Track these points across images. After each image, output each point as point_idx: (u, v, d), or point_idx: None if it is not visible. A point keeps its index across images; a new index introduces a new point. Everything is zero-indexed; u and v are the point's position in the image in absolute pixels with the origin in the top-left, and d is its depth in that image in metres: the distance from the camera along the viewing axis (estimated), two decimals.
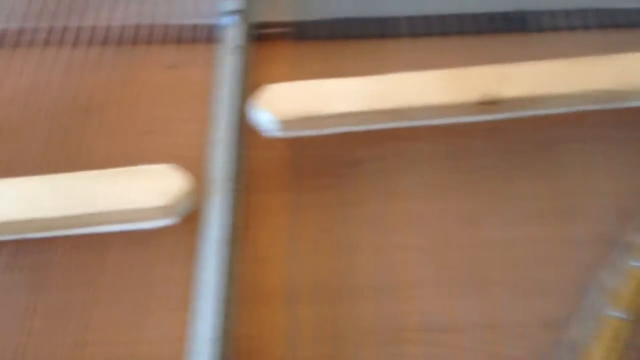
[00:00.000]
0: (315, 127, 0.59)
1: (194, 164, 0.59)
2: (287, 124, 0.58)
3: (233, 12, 0.67)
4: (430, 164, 0.61)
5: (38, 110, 0.65)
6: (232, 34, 0.65)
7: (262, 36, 0.70)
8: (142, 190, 0.52)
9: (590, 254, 0.55)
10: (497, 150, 0.61)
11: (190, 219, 0.56)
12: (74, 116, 0.65)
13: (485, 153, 0.61)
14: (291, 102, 0.58)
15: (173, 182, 0.53)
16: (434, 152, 0.62)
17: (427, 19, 0.69)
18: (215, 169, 0.57)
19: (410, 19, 0.70)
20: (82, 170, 0.59)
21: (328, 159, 0.62)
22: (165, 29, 0.71)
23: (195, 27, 0.71)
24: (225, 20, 0.66)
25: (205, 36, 0.70)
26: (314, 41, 0.70)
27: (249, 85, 0.65)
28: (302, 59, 0.69)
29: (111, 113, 0.65)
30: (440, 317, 0.53)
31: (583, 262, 0.55)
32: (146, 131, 0.65)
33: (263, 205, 0.60)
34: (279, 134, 0.60)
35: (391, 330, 0.53)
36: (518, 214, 0.58)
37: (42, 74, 0.68)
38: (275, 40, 0.70)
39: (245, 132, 0.61)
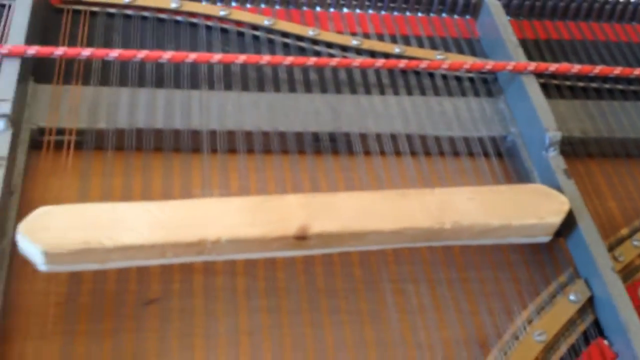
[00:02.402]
0: (94, 261, 0.49)
1: None
2: (57, 257, 0.47)
3: None
4: (239, 304, 0.53)
5: None
6: None
7: (39, 144, 0.59)
8: None
9: None
10: (312, 290, 0.54)
11: None
12: None
13: (298, 293, 0.53)
14: (65, 231, 0.48)
15: None
16: (243, 289, 0.53)
17: (246, 135, 0.62)
18: None
19: (221, 134, 0.62)
20: None
21: (115, 296, 0.52)
22: None
23: None
24: None
25: None
26: (103, 152, 0.60)
27: (22, 202, 0.54)
28: (87, 172, 0.59)
29: None
30: None
31: None
32: None
33: (26, 355, 0.47)
34: (48, 268, 0.48)
35: None
36: None
37: None
38: (56, 150, 0.60)
39: (12, 261, 0.50)
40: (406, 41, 0.75)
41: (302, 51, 0.72)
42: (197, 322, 0.51)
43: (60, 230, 0.48)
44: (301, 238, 0.51)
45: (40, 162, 0.59)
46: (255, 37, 0.72)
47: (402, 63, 0.68)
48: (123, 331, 0.51)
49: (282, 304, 0.53)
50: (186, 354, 0.50)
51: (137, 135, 0.61)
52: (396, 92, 0.70)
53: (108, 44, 0.68)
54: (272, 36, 0.73)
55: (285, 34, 0.73)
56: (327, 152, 0.64)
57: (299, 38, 0.73)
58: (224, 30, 0.73)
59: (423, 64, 0.68)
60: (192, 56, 0.64)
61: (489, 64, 0.68)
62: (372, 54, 0.73)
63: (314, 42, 0.73)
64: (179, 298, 0.53)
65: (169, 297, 0.53)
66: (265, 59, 0.65)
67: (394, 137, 0.65)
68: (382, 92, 0.69)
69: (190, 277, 0.54)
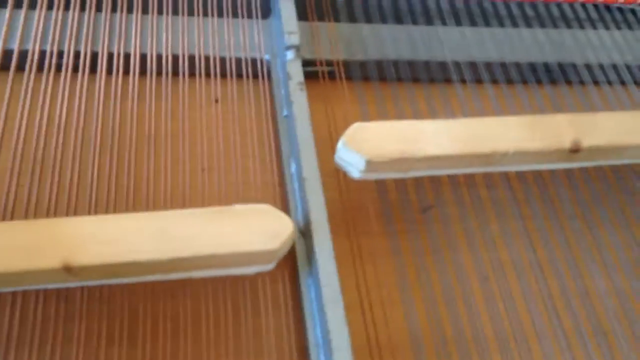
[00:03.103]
0: (402, 169, 0.57)
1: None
2: (375, 165, 0.55)
3: (291, 48, 0.63)
4: (510, 211, 0.60)
5: (81, 142, 0.58)
6: (293, 70, 0.62)
7: (308, 74, 0.67)
8: (249, 232, 0.47)
9: None
10: (578, 199, 0.61)
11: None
12: (123, 150, 0.58)
13: (567, 201, 0.61)
14: (381, 142, 0.55)
15: (278, 223, 0.48)
16: (512, 199, 0.61)
17: (474, 65, 0.69)
18: (308, 212, 0.52)
19: (464, 65, 0.69)
20: (144, 209, 0.53)
21: (401, 204, 0.60)
22: (207, 61, 0.66)
23: (239, 61, 0.66)
24: (286, 56, 0.63)
25: (249, 70, 0.66)
26: (364, 82, 0.68)
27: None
28: (355, 99, 0.66)
29: (163, 148, 0.59)
30: None
31: None
32: (204, 168, 0.59)
33: (350, 249, 0.56)
34: (363, 175, 0.56)
35: None
36: (617, 265, 0.58)
37: (78, 102, 0.60)
38: (321, 79, 0.67)
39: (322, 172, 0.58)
40: None
41: None
42: (469, 226, 0.59)
43: (377, 142, 0.55)
44: (574, 151, 0.58)
45: (311, 90, 0.66)
46: None
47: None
48: (411, 232, 0.59)
49: (535, 212, 0.60)
50: (470, 252, 0.58)
51: (396, 66, 0.68)
52: (595, 27, 0.76)
53: None
54: None
55: None
56: (546, 81, 0.70)
57: None
58: None
59: None
60: None
61: None
62: None
63: None
64: (450, 206, 0.60)
65: (442, 205, 0.60)
66: None
67: (611, 67, 0.71)
68: (594, 27, 0.75)
69: (458, 189, 0.61)
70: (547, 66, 0.71)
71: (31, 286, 0.48)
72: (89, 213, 0.54)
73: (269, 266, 0.49)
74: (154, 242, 0.46)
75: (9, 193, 0.53)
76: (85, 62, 0.62)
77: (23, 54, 0.61)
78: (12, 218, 0.52)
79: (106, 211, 0.54)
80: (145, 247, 0.46)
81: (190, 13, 0.68)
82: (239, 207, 0.48)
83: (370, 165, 0.55)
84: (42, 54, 0.61)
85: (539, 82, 0.70)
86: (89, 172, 0.56)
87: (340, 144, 0.56)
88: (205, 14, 0.68)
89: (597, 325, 0.56)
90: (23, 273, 0.45)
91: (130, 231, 0.46)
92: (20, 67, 0.60)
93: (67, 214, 0.53)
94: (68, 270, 0.45)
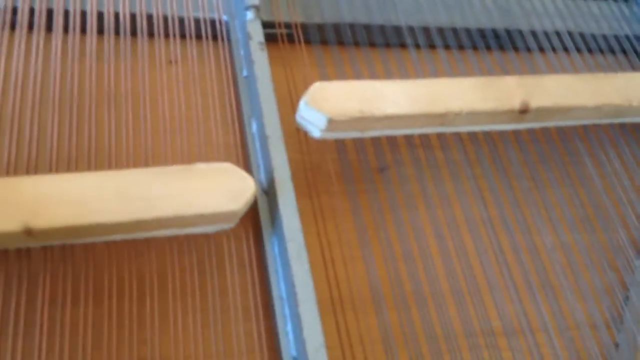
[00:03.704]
0: (361, 128, 0.58)
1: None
2: (336, 124, 0.56)
3: (251, 7, 0.63)
4: (463, 172, 0.63)
5: (38, 101, 0.57)
6: (253, 30, 0.62)
7: (267, 37, 0.67)
8: (211, 194, 0.48)
9: (628, 259, 0.60)
10: (526, 160, 0.64)
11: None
12: (82, 109, 0.58)
13: (516, 162, 0.64)
14: (342, 102, 0.57)
15: (240, 183, 0.49)
16: (465, 159, 0.63)
17: (427, 30, 0.71)
18: (271, 169, 0.53)
19: (417, 30, 0.70)
20: (104, 169, 0.53)
21: (357, 164, 0.61)
22: (165, 22, 0.65)
23: (197, 21, 0.66)
24: (246, 15, 0.63)
25: (208, 31, 0.66)
26: (322, 45, 0.68)
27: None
28: (313, 61, 0.67)
29: (123, 108, 0.59)
30: (518, 319, 0.56)
31: (622, 266, 0.60)
32: (165, 129, 0.59)
33: (311, 208, 0.57)
34: (323, 135, 0.57)
35: (474, 335, 0.55)
36: (560, 222, 0.62)
37: (34, 61, 0.59)
38: (279, 42, 0.68)
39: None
40: None
41: None
42: (425, 185, 0.61)
43: (338, 101, 0.57)
44: (523, 112, 0.61)
45: (270, 53, 0.66)
46: None
47: None
48: (370, 191, 0.60)
49: (486, 172, 0.63)
50: (426, 210, 0.60)
51: (352, 30, 0.68)
52: None
53: None
54: None
55: None
56: (495, 47, 0.73)
57: None
58: None
59: None
60: None
61: None
62: None
63: None
64: (407, 166, 0.62)
65: (399, 165, 0.62)
66: None
67: (555, 34, 0.74)
68: None
69: (414, 150, 0.63)
70: (495, 32, 0.73)
71: None
72: (50, 172, 0.53)
73: (231, 224, 0.50)
74: (116, 203, 0.46)
75: None
76: (40, 20, 0.60)
77: None
78: None
79: (67, 170, 0.54)
80: (107, 208, 0.46)
81: None
82: (201, 166, 0.49)
83: (331, 123, 0.56)
84: None
85: (488, 48, 0.73)
86: (49, 130, 0.55)
87: (301, 103, 0.57)
88: None
89: (545, 277, 0.59)
90: None
91: (92, 191, 0.46)
92: None
93: (27, 173, 0.52)
94: (29, 233, 0.45)
